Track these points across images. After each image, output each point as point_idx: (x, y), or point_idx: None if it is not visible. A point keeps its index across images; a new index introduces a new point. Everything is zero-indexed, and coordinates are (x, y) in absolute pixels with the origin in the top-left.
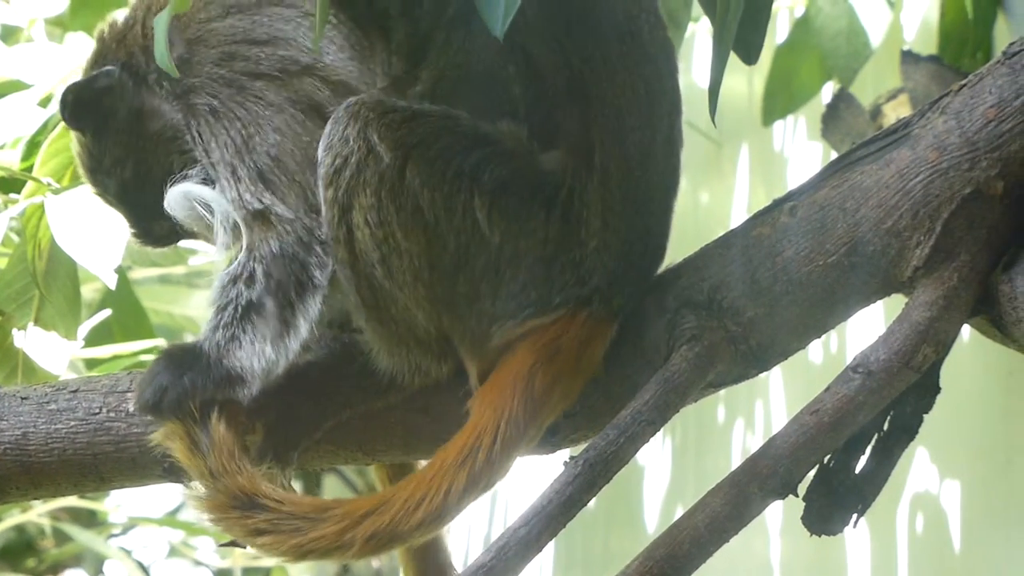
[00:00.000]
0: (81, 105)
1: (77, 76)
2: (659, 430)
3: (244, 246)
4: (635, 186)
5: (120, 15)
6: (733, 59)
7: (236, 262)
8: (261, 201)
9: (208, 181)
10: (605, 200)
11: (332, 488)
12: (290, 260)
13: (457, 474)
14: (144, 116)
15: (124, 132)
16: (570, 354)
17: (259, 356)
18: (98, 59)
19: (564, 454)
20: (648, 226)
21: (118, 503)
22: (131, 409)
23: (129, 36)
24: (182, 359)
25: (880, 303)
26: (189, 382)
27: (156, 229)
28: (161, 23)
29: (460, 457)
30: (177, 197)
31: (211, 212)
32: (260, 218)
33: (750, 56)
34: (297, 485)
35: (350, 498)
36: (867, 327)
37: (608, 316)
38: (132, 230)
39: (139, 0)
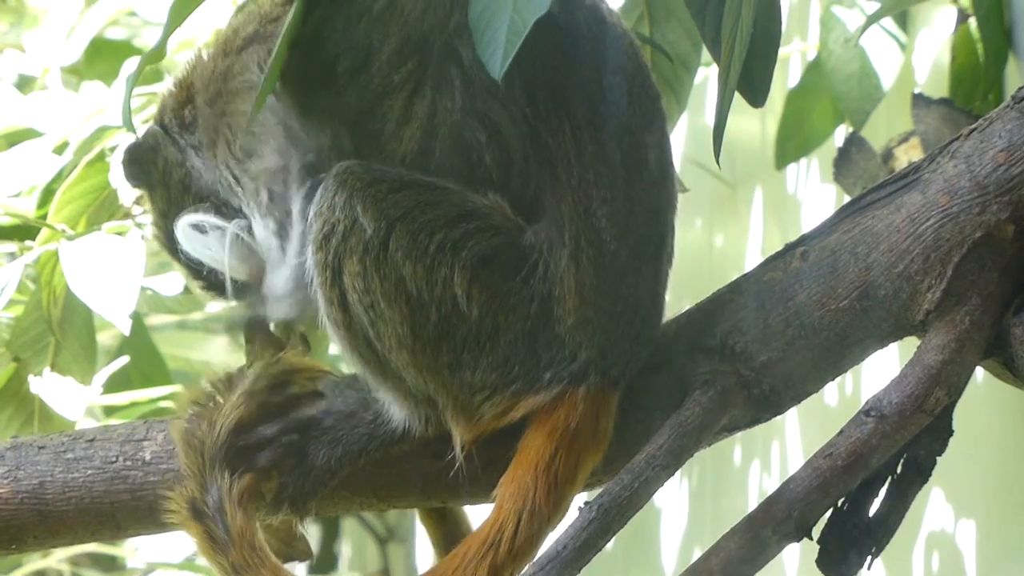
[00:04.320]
0: (134, 163)
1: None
2: (673, 475)
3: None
4: (612, 259)
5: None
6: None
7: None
8: (255, 181)
9: (219, 214)
10: (578, 277)
11: (351, 530)
12: (280, 200)
13: (479, 566)
14: (174, 169)
15: (164, 186)
16: (587, 436)
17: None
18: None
19: (579, 499)
20: (636, 296)
21: (136, 547)
22: (148, 458)
23: (164, 94)
24: None
25: (895, 345)
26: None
27: (210, 277)
28: (129, 80)
29: (483, 549)
30: (185, 226)
31: (220, 232)
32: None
33: (757, 99)
34: (315, 529)
35: None
36: (883, 369)
37: (609, 387)
38: (196, 282)
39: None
